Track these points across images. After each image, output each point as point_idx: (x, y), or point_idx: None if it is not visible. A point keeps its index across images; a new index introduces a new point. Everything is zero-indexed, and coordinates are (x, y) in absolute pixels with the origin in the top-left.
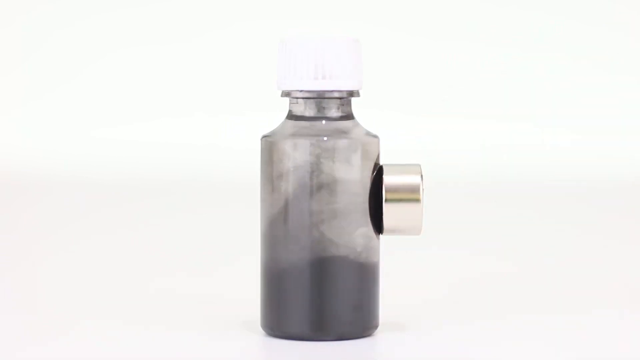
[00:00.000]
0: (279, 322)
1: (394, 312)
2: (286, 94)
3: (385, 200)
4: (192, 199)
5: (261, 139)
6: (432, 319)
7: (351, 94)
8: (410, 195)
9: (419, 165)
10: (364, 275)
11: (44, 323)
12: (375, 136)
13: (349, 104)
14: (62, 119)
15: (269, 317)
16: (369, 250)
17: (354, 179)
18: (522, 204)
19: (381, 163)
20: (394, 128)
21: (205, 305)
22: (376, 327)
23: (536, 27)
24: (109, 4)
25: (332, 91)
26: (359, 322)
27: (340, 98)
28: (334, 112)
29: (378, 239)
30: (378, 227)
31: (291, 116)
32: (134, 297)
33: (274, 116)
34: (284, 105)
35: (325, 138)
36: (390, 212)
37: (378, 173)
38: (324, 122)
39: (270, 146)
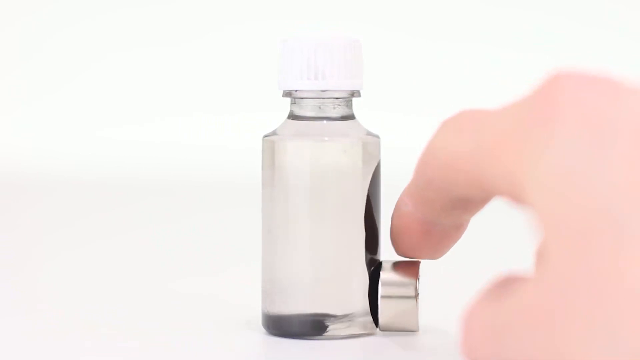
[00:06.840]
0: (280, 321)
1: None
2: (287, 94)
3: (382, 296)
4: (192, 199)
5: (262, 139)
6: (432, 319)
7: (352, 94)
8: (405, 292)
9: (419, 262)
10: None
11: (44, 324)
12: (377, 136)
13: (349, 104)
14: (63, 119)
15: (270, 315)
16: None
17: (355, 179)
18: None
19: (381, 259)
20: (394, 128)
21: (206, 305)
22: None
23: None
24: (110, 4)
25: (333, 91)
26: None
27: (341, 98)
28: (334, 112)
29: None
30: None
31: (292, 116)
32: (133, 297)
33: (275, 116)
34: (285, 105)
35: (326, 138)
36: (385, 309)
37: (376, 269)
38: (324, 122)
39: (271, 146)
